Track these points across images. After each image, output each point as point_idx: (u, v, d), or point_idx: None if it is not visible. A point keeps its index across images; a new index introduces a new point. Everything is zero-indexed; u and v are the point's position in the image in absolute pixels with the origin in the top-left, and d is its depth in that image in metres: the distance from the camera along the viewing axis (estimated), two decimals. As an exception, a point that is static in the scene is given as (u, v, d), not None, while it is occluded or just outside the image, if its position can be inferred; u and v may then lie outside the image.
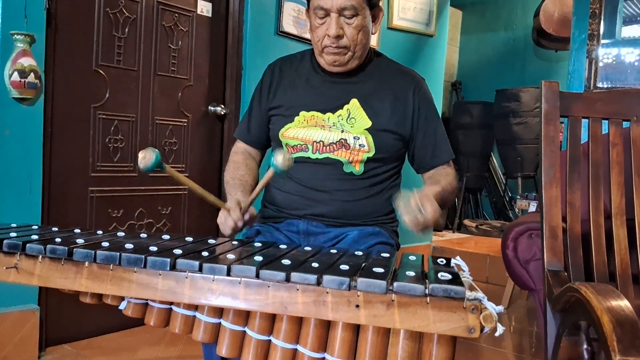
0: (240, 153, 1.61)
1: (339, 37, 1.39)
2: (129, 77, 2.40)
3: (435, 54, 3.98)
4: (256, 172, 1.59)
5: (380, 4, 1.48)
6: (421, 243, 3.99)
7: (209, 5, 2.68)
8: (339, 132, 1.44)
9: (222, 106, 2.75)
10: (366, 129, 1.44)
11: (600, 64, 2.66)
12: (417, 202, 1.13)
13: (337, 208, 1.45)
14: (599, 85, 2.66)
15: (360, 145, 1.43)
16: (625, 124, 1.52)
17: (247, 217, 1.31)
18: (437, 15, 3.91)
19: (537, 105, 1.50)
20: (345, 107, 1.46)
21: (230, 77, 2.77)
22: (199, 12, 2.64)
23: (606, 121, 1.52)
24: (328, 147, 1.45)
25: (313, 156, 1.46)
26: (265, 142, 1.61)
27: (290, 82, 1.54)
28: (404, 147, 1.51)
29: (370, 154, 1.44)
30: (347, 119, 1.45)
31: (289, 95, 1.52)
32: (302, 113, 1.48)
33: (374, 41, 3.42)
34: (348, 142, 1.44)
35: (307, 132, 1.46)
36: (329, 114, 1.47)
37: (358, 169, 1.45)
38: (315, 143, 1.45)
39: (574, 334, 1.19)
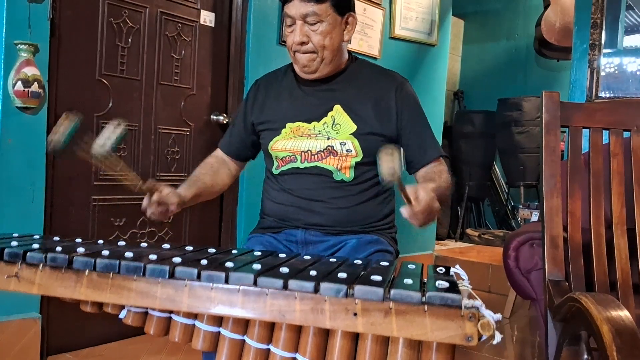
0: (213, 157, 1.64)
1: (303, 43, 1.42)
2: (132, 87, 2.41)
3: (437, 63, 3.99)
4: (223, 175, 1.60)
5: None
6: (423, 252, 3.98)
7: (212, 16, 2.70)
8: (325, 140, 1.46)
9: (225, 115, 2.76)
10: (351, 134, 1.45)
11: (602, 74, 2.66)
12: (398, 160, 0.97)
13: (333, 216, 1.45)
14: (601, 94, 2.66)
15: (347, 150, 1.44)
16: (625, 134, 1.53)
17: (161, 208, 1.32)
18: (439, 25, 3.93)
19: (539, 115, 1.50)
20: (330, 114, 1.48)
21: (233, 87, 2.78)
22: (202, 22, 2.66)
23: (607, 131, 1.53)
24: (316, 156, 1.46)
25: (302, 166, 1.47)
26: (244, 154, 1.64)
27: (275, 96, 1.56)
28: None
29: (358, 159, 1.45)
30: (332, 126, 1.46)
31: (274, 109, 1.54)
32: (288, 125, 1.50)
33: (375, 50, 3.43)
34: (335, 148, 1.45)
35: (295, 143, 1.48)
36: (314, 123, 1.48)
37: (348, 175, 1.46)
38: (303, 153, 1.47)
39: (575, 344, 1.19)
